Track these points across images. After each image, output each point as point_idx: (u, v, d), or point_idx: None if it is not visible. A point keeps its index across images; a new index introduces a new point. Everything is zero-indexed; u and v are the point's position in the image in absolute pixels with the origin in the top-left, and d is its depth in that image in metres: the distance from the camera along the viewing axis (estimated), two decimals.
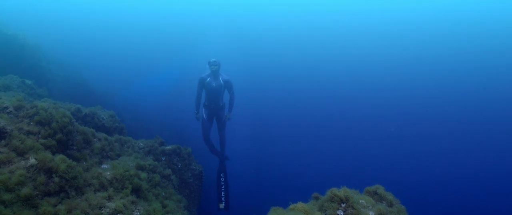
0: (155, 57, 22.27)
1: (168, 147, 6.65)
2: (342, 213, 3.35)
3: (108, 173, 4.43)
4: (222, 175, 7.20)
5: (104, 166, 4.77)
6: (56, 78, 10.33)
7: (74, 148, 4.60)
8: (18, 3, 23.60)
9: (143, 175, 4.87)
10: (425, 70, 22.25)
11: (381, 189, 3.94)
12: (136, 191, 4.49)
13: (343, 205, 3.41)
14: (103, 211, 3.76)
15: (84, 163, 4.55)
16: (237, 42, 21.84)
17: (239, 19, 26.84)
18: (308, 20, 27.13)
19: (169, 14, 28.18)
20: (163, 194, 5.24)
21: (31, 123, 4.25)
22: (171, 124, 12.67)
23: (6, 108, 4.39)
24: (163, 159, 6.38)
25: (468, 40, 23.32)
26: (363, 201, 3.57)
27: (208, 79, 6.79)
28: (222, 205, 6.99)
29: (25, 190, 3.33)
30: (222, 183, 7.13)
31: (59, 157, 3.86)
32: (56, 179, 3.69)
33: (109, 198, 4.07)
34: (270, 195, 12.75)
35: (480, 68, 21.95)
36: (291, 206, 3.50)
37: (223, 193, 7.07)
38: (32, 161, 3.71)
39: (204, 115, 7.08)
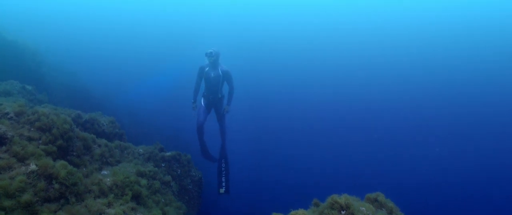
0: (155, 60, 22.23)
1: (168, 154, 6.65)
2: None
3: (108, 179, 4.43)
4: (223, 161, 7.15)
5: (104, 172, 4.77)
6: (56, 83, 10.33)
7: (75, 154, 4.60)
8: (17, 8, 23.65)
9: (143, 181, 4.86)
10: (425, 72, 22.27)
11: (381, 196, 3.94)
12: (136, 198, 4.48)
13: (343, 212, 3.42)
14: None
15: (84, 169, 4.55)
16: (238, 43, 21.77)
17: (240, 19, 26.84)
18: (313, 22, 27.11)
19: (168, 14, 28.23)
20: (163, 200, 5.22)
21: (32, 129, 4.26)
22: (171, 128, 12.66)
23: (7, 113, 4.39)
24: (163, 165, 6.37)
25: (461, 41, 23.42)
26: (363, 208, 3.57)
27: (207, 69, 6.73)
28: (222, 190, 6.99)
29: (26, 197, 3.32)
30: (222, 168, 7.09)
31: (60, 163, 3.86)
32: (56, 185, 3.69)
33: (109, 205, 4.06)
34: (270, 199, 12.72)
35: (477, 69, 22.04)
36: (292, 212, 3.50)
37: (223, 179, 7.03)
38: (32, 167, 3.70)
39: (202, 103, 7.00)
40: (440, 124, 18.99)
